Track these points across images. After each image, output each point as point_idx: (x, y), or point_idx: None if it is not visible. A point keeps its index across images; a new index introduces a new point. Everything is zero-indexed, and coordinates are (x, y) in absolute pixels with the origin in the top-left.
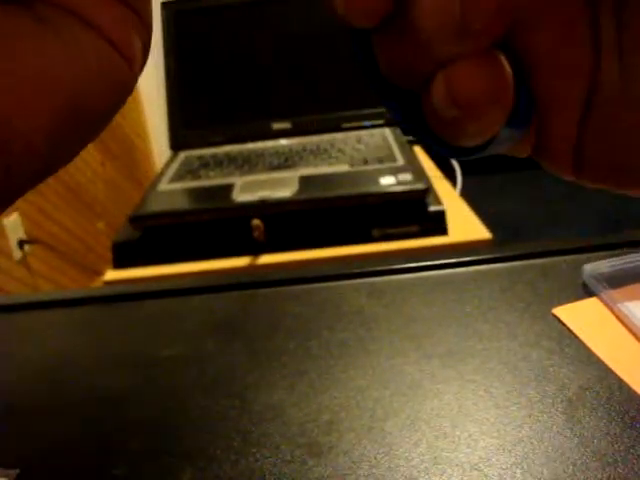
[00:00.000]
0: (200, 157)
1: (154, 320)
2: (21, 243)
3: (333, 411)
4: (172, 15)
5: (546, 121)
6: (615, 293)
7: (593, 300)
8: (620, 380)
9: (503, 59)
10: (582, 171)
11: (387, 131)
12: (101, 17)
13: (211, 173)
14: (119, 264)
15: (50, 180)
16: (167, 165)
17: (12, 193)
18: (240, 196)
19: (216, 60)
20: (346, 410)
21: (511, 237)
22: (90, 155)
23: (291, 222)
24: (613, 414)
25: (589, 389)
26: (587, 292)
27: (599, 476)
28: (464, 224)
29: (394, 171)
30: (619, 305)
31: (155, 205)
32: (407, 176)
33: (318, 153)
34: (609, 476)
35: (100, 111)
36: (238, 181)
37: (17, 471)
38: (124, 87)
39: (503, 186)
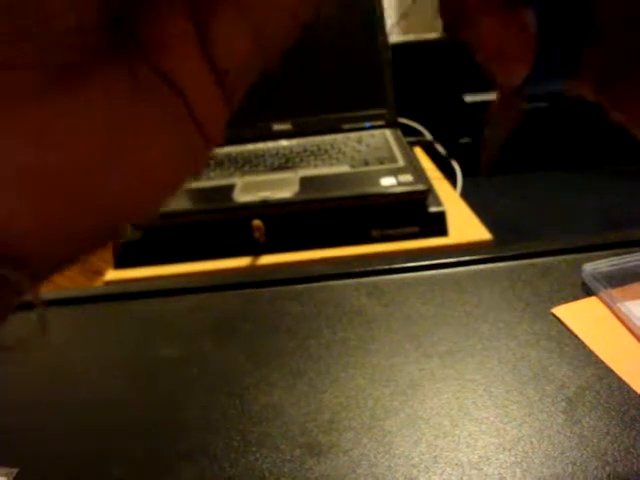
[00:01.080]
0: None
1: (154, 320)
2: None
3: (333, 410)
4: None
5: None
6: (615, 292)
7: (593, 299)
8: (619, 379)
9: (527, 14)
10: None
11: (388, 132)
12: (199, 96)
13: (212, 174)
14: (119, 264)
15: None
16: None
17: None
18: (241, 197)
19: None
20: (346, 409)
21: (512, 238)
22: None
23: (292, 223)
24: (613, 413)
25: (589, 388)
26: (587, 291)
27: (599, 475)
28: (464, 225)
29: (395, 172)
30: (619, 304)
31: None
32: (408, 177)
33: (319, 154)
34: (609, 475)
35: (173, 191)
36: (239, 182)
37: (17, 471)
38: (199, 166)
39: (503, 187)
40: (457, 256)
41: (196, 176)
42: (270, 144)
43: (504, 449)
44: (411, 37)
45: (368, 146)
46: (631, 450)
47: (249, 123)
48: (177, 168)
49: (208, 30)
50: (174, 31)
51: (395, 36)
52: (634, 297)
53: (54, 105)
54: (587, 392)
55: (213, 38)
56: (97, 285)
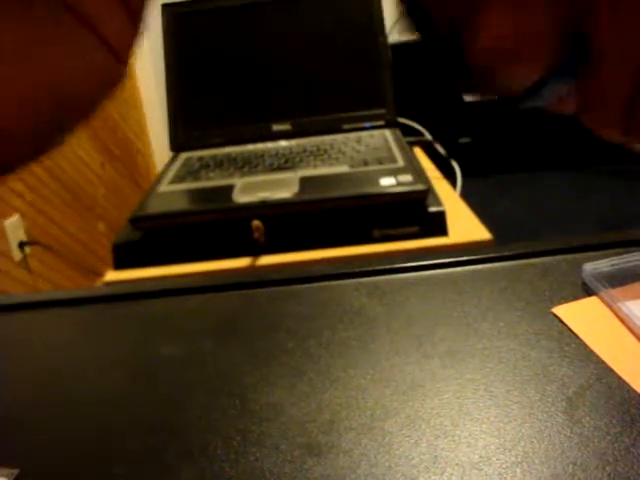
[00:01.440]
0: (200, 158)
1: (154, 320)
2: (21, 245)
3: (333, 410)
4: (172, 16)
5: (602, 76)
6: (615, 292)
7: (593, 299)
8: (620, 379)
9: (537, 7)
10: (632, 131)
11: (387, 132)
12: (102, 15)
13: (211, 174)
14: (119, 265)
15: (50, 182)
16: (167, 166)
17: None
18: (240, 197)
19: (216, 61)
20: (346, 409)
21: (511, 238)
22: (90, 157)
23: (291, 223)
24: (613, 413)
25: (589, 388)
26: (587, 291)
27: (599, 475)
28: (464, 225)
29: (394, 172)
30: (619, 304)
31: (155, 206)
32: (407, 177)
33: (318, 154)
34: (609, 475)
35: (85, 101)
36: (238, 182)
37: (17, 471)
38: (111, 79)
39: (503, 187)
40: (457, 256)
41: (109, 93)
42: (270, 144)
43: (504, 449)
44: (411, 37)
45: (368, 146)
46: (631, 450)
47: (249, 123)
48: (81, 82)
49: None
50: None
51: (394, 36)
52: (634, 297)
53: None
54: (587, 392)
55: None
56: (97, 286)
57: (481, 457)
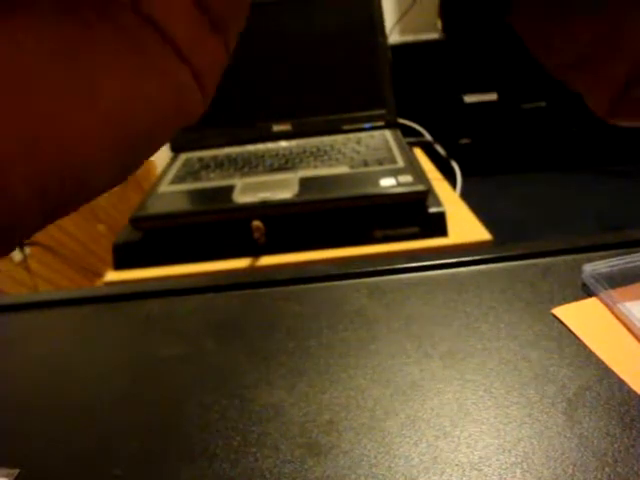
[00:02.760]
0: (200, 159)
1: (154, 320)
2: (21, 245)
3: (333, 411)
4: None
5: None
6: (615, 293)
7: (593, 300)
8: (620, 380)
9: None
10: (616, 114)
11: (387, 133)
12: (189, 38)
13: (211, 175)
14: (120, 266)
15: None
16: (167, 167)
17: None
18: (240, 198)
19: None
20: (346, 410)
21: (511, 238)
22: None
23: (291, 223)
24: (613, 414)
25: (589, 389)
26: (587, 292)
27: (599, 476)
28: (464, 225)
29: (394, 173)
30: (619, 305)
31: (156, 207)
32: (407, 178)
33: (318, 155)
34: (609, 476)
35: (161, 142)
36: (238, 183)
37: (17, 471)
38: (191, 119)
39: (503, 187)
40: (457, 256)
41: (188, 123)
42: (270, 145)
43: (504, 450)
44: (410, 38)
45: (368, 147)
46: (631, 450)
47: (249, 124)
48: (161, 113)
49: None
50: None
51: (394, 37)
52: (634, 298)
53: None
54: (587, 393)
55: None
56: (97, 286)
57: (481, 458)
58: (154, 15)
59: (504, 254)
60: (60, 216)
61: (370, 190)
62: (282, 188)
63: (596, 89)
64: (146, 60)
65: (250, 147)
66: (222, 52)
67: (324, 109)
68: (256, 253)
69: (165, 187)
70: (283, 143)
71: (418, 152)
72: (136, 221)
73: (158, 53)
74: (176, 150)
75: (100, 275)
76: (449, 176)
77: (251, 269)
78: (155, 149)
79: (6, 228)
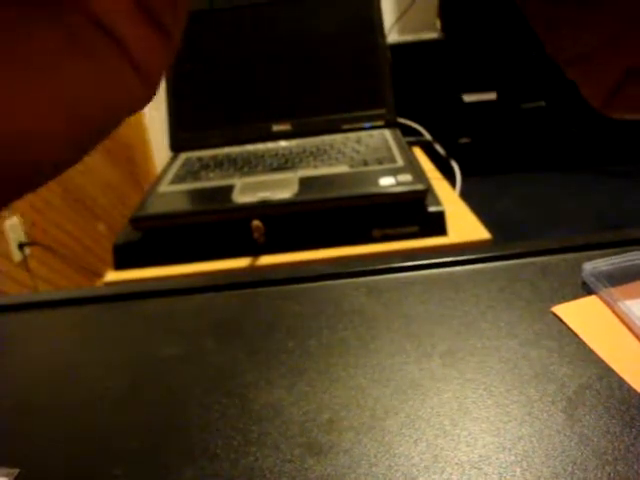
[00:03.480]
0: (200, 158)
1: (154, 320)
2: (21, 245)
3: (333, 410)
4: None
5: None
6: (615, 291)
7: (593, 298)
8: (620, 378)
9: None
10: (610, 107)
11: (387, 132)
12: (131, 35)
13: (211, 174)
14: (120, 266)
15: (50, 182)
16: (167, 166)
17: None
18: (240, 197)
19: (216, 61)
20: (346, 409)
21: (511, 237)
22: (90, 157)
23: (291, 223)
24: (613, 412)
25: (589, 387)
26: (587, 290)
27: (599, 474)
28: (464, 225)
29: (394, 172)
30: (619, 303)
31: (155, 207)
32: (407, 177)
33: (318, 154)
34: (609, 474)
35: (106, 129)
36: (238, 182)
37: (17, 471)
38: (135, 108)
39: (502, 187)
40: (456, 255)
41: (131, 114)
42: (269, 145)
43: (504, 448)
44: (410, 37)
45: (367, 146)
46: (631, 450)
47: (248, 124)
48: (105, 103)
49: None
50: None
51: (394, 36)
52: (634, 296)
53: None
54: (587, 391)
55: None
56: (97, 286)
57: (481, 456)
58: (97, 12)
59: (503, 253)
60: (18, 192)
61: (370, 189)
62: (282, 188)
63: (593, 80)
64: (89, 54)
65: (250, 147)
66: (164, 48)
67: (324, 109)
68: (256, 253)
69: (165, 187)
70: (283, 143)
71: (417, 151)
72: (136, 221)
73: (100, 47)
74: (176, 150)
75: (100, 275)
76: (448, 175)
77: (251, 269)
78: (107, 132)
79: None
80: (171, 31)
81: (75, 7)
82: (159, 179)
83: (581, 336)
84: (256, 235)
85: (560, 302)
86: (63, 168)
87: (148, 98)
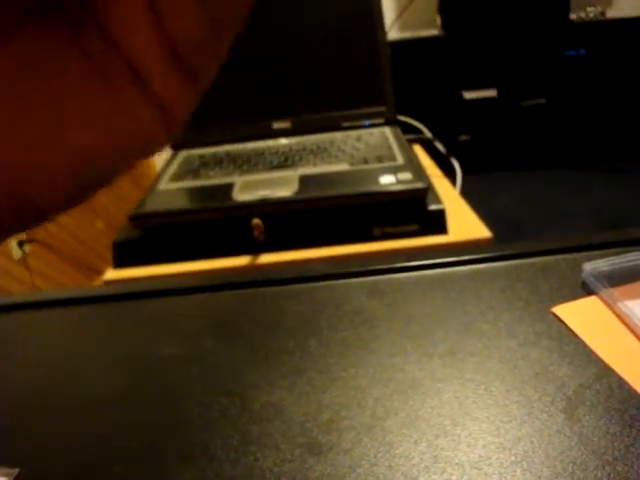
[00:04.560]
0: (200, 156)
1: (154, 320)
2: (21, 243)
3: (333, 410)
4: None
5: None
6: (615, 292)
7: (593, 299)
8: (620, 378)
9: None
10: None
11: (387, 130)
12: (154, 68)
13: (211, 172)
14: (119, 263)
15: None
16: (167, 164)
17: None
18: (240, 195)
19: None
20: (346, 409)
21: (512, 236)
22: None
23: (291, 221)
24: (613, 412)
25: (589, 388)
26: (587, 291)
27: (598, 474)
28: (464, 223)
29: (394, 170)
30: (619, 304)
31: (155, 204)
32: (407, 175)
33: (318, 152)
34: (608, 474)
35: (119, 170)
36: (238, 180)
37: (17, 470)
38: (154, 150)
39: (503, 185)
40: (457, 255)
41: (148, 155)
42: (269, 142)
43: (504, 448)
44: (410, 34)
45: (367, 144)
46: (631, 450)
47: (248, 121)
48: (123, 148)
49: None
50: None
51: (394, 33)
52: (634, 296)
53: None
54: (587, 391)
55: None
56: (97, 285)
57: (481, 456)
58: (128, 51)
59: (503, 253)
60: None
61: (370, 187)
62: (282, 186)
63: None
64: (115, 96)
65: (250, 145)
66: (189, 88)
67: (323, 106)
68: (256, 251)
69: (164, 185)
70: (283, 140)
71: (418, 149)
72: (135, 219)
73: (127, 89)
74: (176, 147)
75: (99, 273)
76: (449, 173)
77: (251, 267)
78: (115, 178)
79: None
80: (198, 73)
81: (108, 47)
82: (159, 177)
83: (581, 336)
84: (256, 233)
85: (560, 302)
86: (68, 207)
87: (168, 139)
